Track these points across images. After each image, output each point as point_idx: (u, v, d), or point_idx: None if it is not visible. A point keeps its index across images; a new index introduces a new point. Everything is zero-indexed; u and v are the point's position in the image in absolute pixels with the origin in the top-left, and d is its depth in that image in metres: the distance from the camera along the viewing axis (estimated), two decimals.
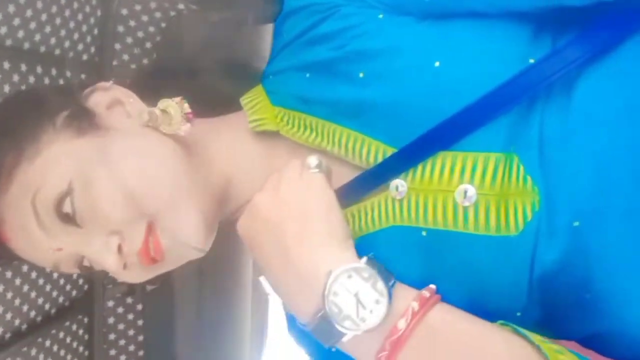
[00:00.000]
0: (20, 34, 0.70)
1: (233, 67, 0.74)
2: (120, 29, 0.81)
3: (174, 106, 0.64)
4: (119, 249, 0.61)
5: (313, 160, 0.59)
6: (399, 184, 0.58)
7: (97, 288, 0.87)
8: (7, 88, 0.69)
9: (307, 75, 0.65)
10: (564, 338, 0.53)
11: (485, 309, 0.54)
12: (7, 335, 0.73)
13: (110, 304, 0.89)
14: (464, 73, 0.55)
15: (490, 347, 0.51)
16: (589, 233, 0.51)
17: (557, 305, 0.53)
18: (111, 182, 0.59)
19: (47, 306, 0.80)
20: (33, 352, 0.77)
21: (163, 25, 0.82)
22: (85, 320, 0.87)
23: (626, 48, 0.52)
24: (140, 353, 0.92)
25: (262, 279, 0.61)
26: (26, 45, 0.71)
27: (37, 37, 0.72)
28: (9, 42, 0.69)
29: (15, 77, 0.70)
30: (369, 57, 0.60)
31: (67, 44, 0.76)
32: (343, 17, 0.62)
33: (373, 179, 0.60)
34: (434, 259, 0.56)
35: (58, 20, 0.74)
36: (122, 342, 0.91)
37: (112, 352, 0.91)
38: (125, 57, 0.83)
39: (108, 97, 0.66)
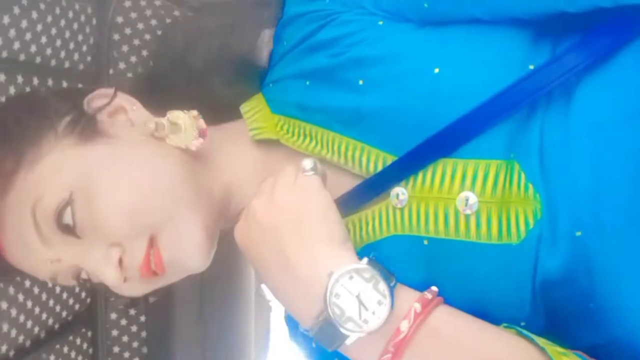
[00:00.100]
0: (16, 45, 0.69)
1: (231, 74, 0.74)
2: (116, 37, 0.81)
3: (186, 119, 0.63)
4: (120, 261, 0.60)
5: (308, 162, 0.59)
6: (399, 192, 0.57)
7: (99, 301, 0.87)
8: (2, 100, 0.68)
9: (307, 82, 0.64)
10: (569, 347, 0.52)
11: (488, 319, 0.53)
12: (11, 353, 0.72)
13: (114, 316, 0.89)
14: (464, 79, 0.55)
15: (494, 349, 0.51)
16: (591, 240, 0.50)
17: (561, 314, 0.53)
18: (113, 195, 0.59)
19: (50, 321, 0.79)
20: None
21: (159, 32, 0.81)
22: (89, 333, 0.87)
23: (625, 55, 0.52)
24: None
25: (263, 286, 0.60)
26: (22, 57, 0.71)
27: (33, 48, 0.72)
28: (4, 54, 0.69)
29: (12, 89, 0.70)
30: (369, 64, 0.59)
31: (63, 54, 0.76)
32: (342, 24, 0.62)
33: (373, 187, 0.59)
34: (436, 268, 0.56)
35: (53, 31, 0.74)
36: (126, 354, 0.90)
37: None
38: (122, 65, 0.82)
39: (111, 104, 0.65)
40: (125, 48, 0.82)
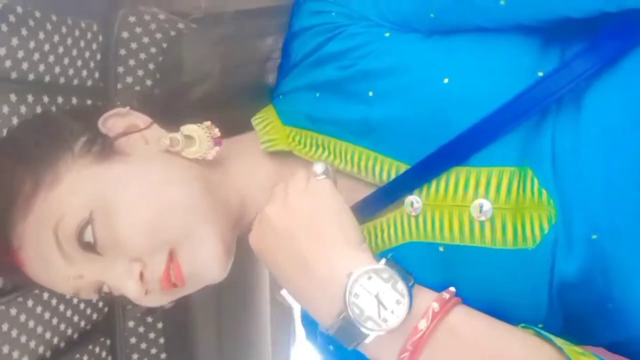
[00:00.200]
0: (25, 65, 0.70)
1: (240, 85, 0.74)
2: (122, 52, 0.82)
3: (199, 131, 0.64)
4: (141, 275, 0.61)
5: (319, 166, 0.59)
6: (413, 201, 0.58)
7: (117, 309, 0.88)
8: (15, 120, 0.69)
9: (317, 94, 0.65)
10: (589, 345, 0.53)
11: (505, 321, 0.54)
12: None
13: (131, 324, 0.90)
14: (474, 88, 0.56)
15: (511, 348, 0.52)
16: (606, 244, 0.51)
17: (579, 315, 0.54)
18: (132, 213, 0.60)
19: (69, 331, 0.80)
20: None
21: (164, 45, 0.82)
22: (108, 342, 0.88)
23: (631, 59, 0.52)
24: None
25: (283, 292, 0.61)
26: (31, 76, 0.71)
27: (41, 67, 0.72)
28: (14, 75, 0.69)
29: (23, 108, 0.70)
30: (378, 76, 0.60)
31: (71, 71, 0.76)
32: (349, 37, 0.62)
33: (387, 195, 0.60)
34: (452, 274, 0.57)
35: (61, 49, 0.74)
36: None
37: None
38: (129, 79, 0.83)
39: (125, 123, 0.66)
40: (132, 62, 0.82)
